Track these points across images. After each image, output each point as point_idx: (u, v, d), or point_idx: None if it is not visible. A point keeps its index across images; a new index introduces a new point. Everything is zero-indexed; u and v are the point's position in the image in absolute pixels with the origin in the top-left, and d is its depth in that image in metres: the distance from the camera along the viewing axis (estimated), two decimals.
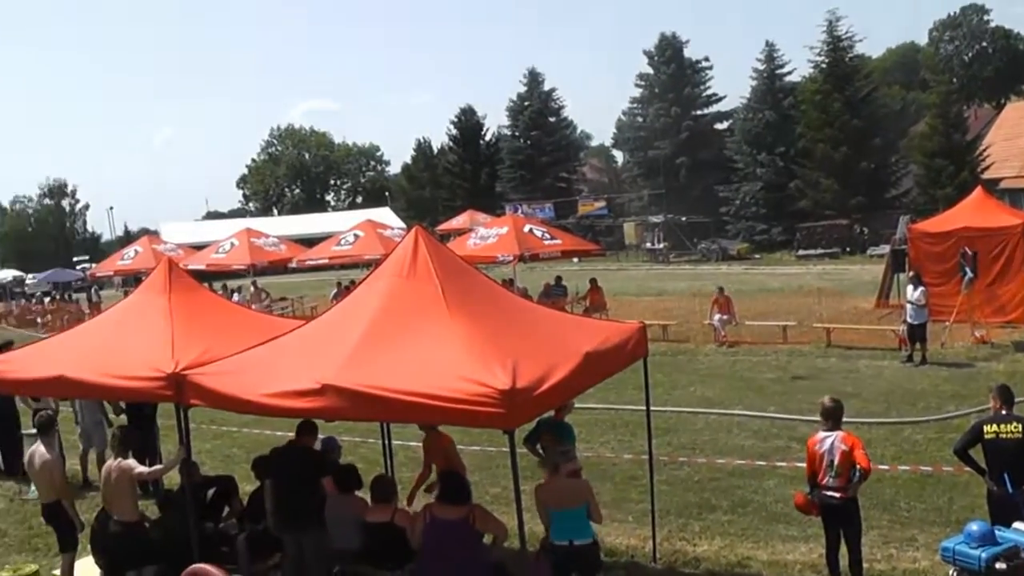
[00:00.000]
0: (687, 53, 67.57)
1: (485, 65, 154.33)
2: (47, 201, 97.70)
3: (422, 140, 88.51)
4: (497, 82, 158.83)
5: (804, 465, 8.04)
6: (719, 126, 67.62)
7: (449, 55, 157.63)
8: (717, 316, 22.51)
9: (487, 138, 78.47)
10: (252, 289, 30.90)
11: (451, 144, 79.42)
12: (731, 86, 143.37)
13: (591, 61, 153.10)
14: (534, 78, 74.30)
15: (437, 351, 6.33)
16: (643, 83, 69.22)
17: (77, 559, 8.97)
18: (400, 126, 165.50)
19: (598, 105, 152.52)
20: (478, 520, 6.87)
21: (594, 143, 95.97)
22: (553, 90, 74.51)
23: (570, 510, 7.05)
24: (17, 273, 66.11)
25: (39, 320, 38.92)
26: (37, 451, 8.99)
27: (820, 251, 49.78)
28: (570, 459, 8.53)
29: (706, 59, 67.62)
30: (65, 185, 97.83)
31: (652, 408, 9.16)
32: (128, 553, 8.22)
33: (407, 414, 6.41)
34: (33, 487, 10.35)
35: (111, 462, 8.49)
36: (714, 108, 67.89)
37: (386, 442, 10.01)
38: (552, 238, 25.41)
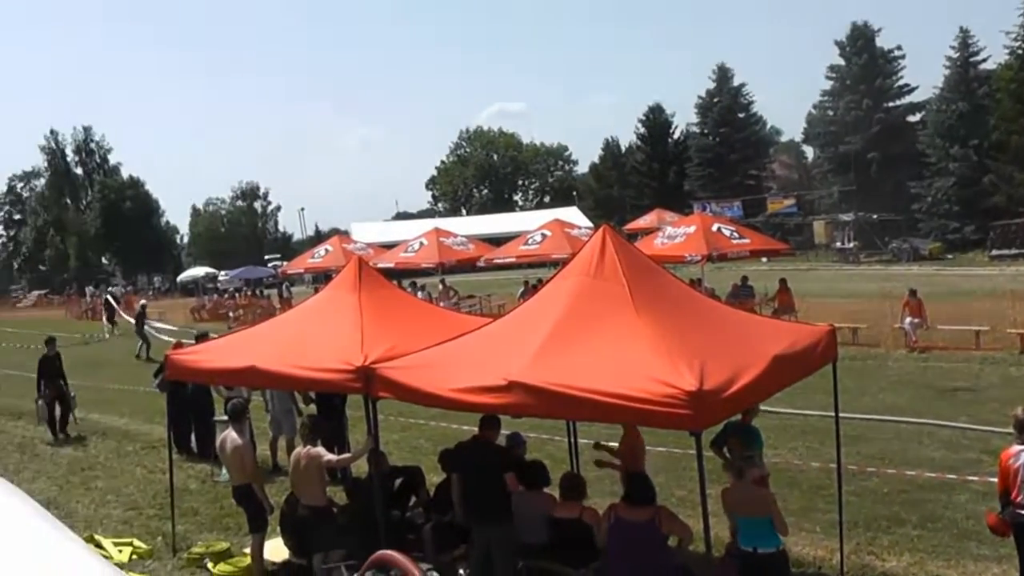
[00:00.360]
0: (879, 42, 65.58)
1: (673, 62, 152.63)
2: (239, 203, 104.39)
3: (610, 139, 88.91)
4: (685, 79, 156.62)
5: (996, 480, 7.70)
6: (911, 118, 65.34)
7: (637, 53, 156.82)
8: (908, 320, 22.09)
9: (675, 136, 77.82)
10: (440, 287, 31.85)
11: (639, 143, 79.23)
12: (924, 76, 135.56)
13: (781, 54, 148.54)
14: (723, 73, 73.17)
15: (624, 350, 6.38)
16: (834, 75, 67.34)
17: (267, 539, 9.55)
18: (588, 126, 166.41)
19: (788, 99, 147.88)
20: (664, 522, 6.90)
21: (784, 138, 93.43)
22: (743, 85, 73.32)
23: (754, 518, 6.98)
24: (210, 270, 70.80)
25: (231, 314, 41.34)
26: (228, 437, 9.63)
27: (1015, 251, 47.19)
28: (755, 465, 8.45)
29: (898, 48, 65.48)
30: (257, 188, 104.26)
31: (841, 415, 8.94)
32: (316, 536, 8.74)
33: (593, 413, 6.47)
34: (224, 470, 11.11)
35: (300, 449, 9.01)
36: (906, 99, 65.79)
37: (572, 440, 10.13)
38: (740, 237, 25.23)
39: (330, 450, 9.44)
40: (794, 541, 9.07)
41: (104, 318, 43.67)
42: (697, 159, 71.77)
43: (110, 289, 60.07)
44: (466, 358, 7.27)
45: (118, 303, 46.95)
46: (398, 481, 9.81)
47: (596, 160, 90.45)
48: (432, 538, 8.67)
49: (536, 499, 8.15)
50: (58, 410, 18.03)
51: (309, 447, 8.88)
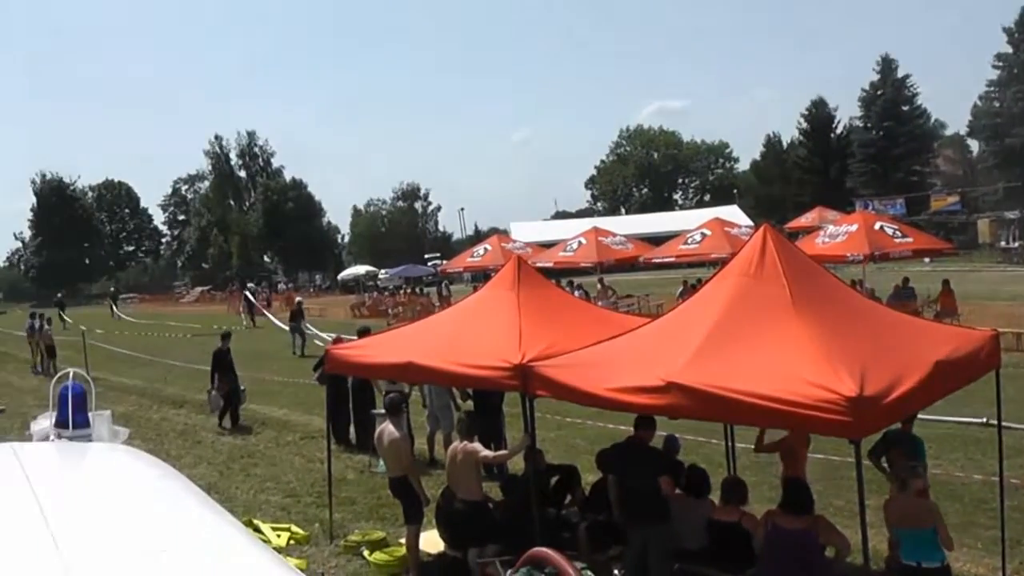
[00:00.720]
0: None
1: (836, 53, 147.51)
2: (400, 203, 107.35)
3: (771, 135, 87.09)
4: (849, 70, 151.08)
5: None
6: None
7: (799, 44, 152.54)
8: None
9: (838, 131, 75.44)
10: (598, 286, 31.98)
11: (801, 138, 77.22)
12: None
13: (944, 42, 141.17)
14: (887, 64, 70.64)
15: (783, 353, 6.37)
16: (1001, 64, 64.07)
17: (422, 531, 9.90)
18: (750, 122, 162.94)
19: (953, 91, 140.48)
20: (822, 532, 6.88)
21: (948, 132, 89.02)
22: (907, 77, 70.49)
23: (917, 531, 6.88)
24: (370, 268, 72.88)
25: (390, 311, 42.55)
26: (386, 429, 10.00)
27: None
28: (919, 475, 8.32)
29: None
30: (418, 188, 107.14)
31: (1004, 425, 8.68)
32: (471, 530, 9.02)
33: (750, 417, 6.47)
34: (382, 462, 11.54)
35: (457, 444, 9.32)
36: None
37: (729, 444, 10.12)
38: (903, 236, 24.62)
39: (486, 446, 9.73)
40: (954, 557, 8.80)
41: (243, 313, 46.86)
42: (860, 154, 69.51)
43: (248, 285, 63.06)
44: (623, 358, 7.34)
45: (256, 298, 49.79)
46: (554, 479, 9.98)
47: (757, 157, 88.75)
48: (587, 537, 8.82)
49: (696, 505, 8.22)
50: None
51: (466, 442, 9.15)
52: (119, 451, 3.78)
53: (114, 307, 62.83)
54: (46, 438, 3.99)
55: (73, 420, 4.08)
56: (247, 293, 51.48)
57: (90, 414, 4.25)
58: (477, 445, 9.21)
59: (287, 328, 32.53)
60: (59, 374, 4.54)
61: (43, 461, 3.36)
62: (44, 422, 4.17)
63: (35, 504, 2.53)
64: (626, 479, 8.34)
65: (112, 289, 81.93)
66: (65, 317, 47.96)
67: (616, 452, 8.69)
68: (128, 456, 3.61)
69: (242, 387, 19.17)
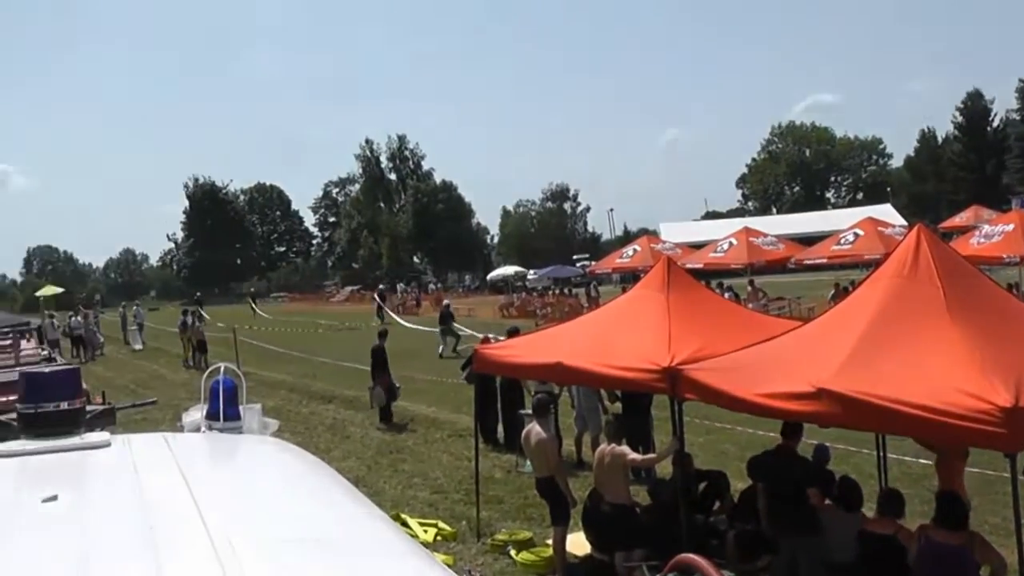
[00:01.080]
0: None
1: (993, 43, 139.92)
2: (549, 204, 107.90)
3: (926, 130, 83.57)
4: (1006, 61, 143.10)
5: None
6: None
7: (954, 33, 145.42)
8: None
9: (994, 124, 71.61)
10: (749, 288, 31.51)
11: (956, 133, 73.68)
12: None
13: None
14: None
15: (935, 359, 6.15)
16: None
17: (569, 532, 9.93)
18: (904, 116, 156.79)
19: None
20: (977, 549, 6.63)
21: None
22: None
23: None
24: (519, 268, 73.56)
25: (538, 312, 42.84)
26: (533, 430, 10.10)
27: None
28: None
29: None
30: (567, 189, 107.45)
31: None
32: (618, 533, 9.01)
33: (900, 426, 6.31)
34: (528, 462, 11.61)
35: (605, 446, 9.31)
36: None
37: (881, 454, 9.82)
38: None
39: (634, 449, 9.68)
40: None
41: (375, 312, 48.56)
42: (1016, 149, 65.81)
43: (380, 287, 64.60)
44: (774, 362, 7.24)
45: (384, 301, 51.59)
46: (702, 485, 9.91)
47: (911, 153, 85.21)
48: (736, 545, 8.70)
49: (847, 517, 8.00)
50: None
51: (614, 445, 9.15)
52: (269, 443, 3.88)
53: (254, 306, 65.32)
54: (197, 429, 4.12)
55: (224, 412, 4.19)
56: (376, 295, 53.22)
57: (240, 407, 4.36)
58: (625, 448, 9.19)
59: (413, 327, 33.15)
60: (210, 368, 4.67)
61: (194, 451, 3.48)
62: (195, 414, 4.30)
63: (187, 492, 2.60)
64: (774, 487, 8.22)
65: (252, 289, 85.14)
66: (203, 314, 50.40)
67: (765, 459, 8.56)
68: (277, 448, 3.69)
69: (398, 385, 19.57)
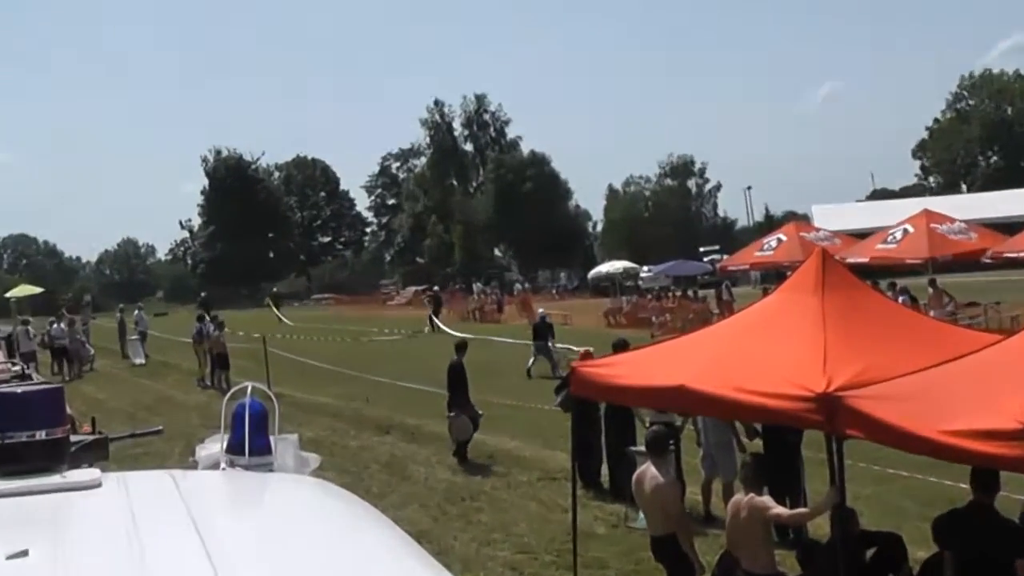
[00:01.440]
0: None
1: None
2: (668, 181, 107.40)
3: None
4: None
5: None
6: None
7: None
8: None
9: None
10: (930, 290, 31.22)
11: None
12: None
13: None
14: None
15: None
16: None
17: None
18: None
19: None
20: None
21: None
22: None
23: None
24: (629, 264, 73.30)
25: (654, 319, 42.81)
26: (648, 473, 10.07)
27: None
28: None
29: None
30: (692, 162, 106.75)
31: None
32: None
33: None
34: (641, 514, 11.54)
35: (741, 496, 9.26)
36: None
37: None
38: None
39: (779, 500, 9.61)
40: None
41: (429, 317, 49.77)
42: None
43: (434, 288, 64.95)
44: (965, 389, 7.17)
45: (440, 306, 52.58)
46: (870, 552, 9.75)
47: None
48: None
49: None
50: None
51: (752, 494, 9.08)
52: (307, 484, 3.90)
53: (277, 311, 66.15)
54: (216, 466, 4.18)
55: (250, 444, 4.25)
56: (427, 297, 54.04)
57: (272, 438, 4.42)
58: (767, 499, 9.13)
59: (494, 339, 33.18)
60: (234, 388, 4.75)
61: (211, 494, 3.49)
62: (213, 446, 4.37)
63: (200, 548, 2.59)
64: (967, 557, 8.10)
65: (275, 288, 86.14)
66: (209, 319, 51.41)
67: (955, 520, 8.44)
68: (319, 491, 3.70)
69: (480, 413, 19.62)
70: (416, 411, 23.60)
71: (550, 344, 31.40)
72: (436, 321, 49.84)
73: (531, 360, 30.73)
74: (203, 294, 71.26)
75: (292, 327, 56.25)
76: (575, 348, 28.93)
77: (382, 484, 17.60)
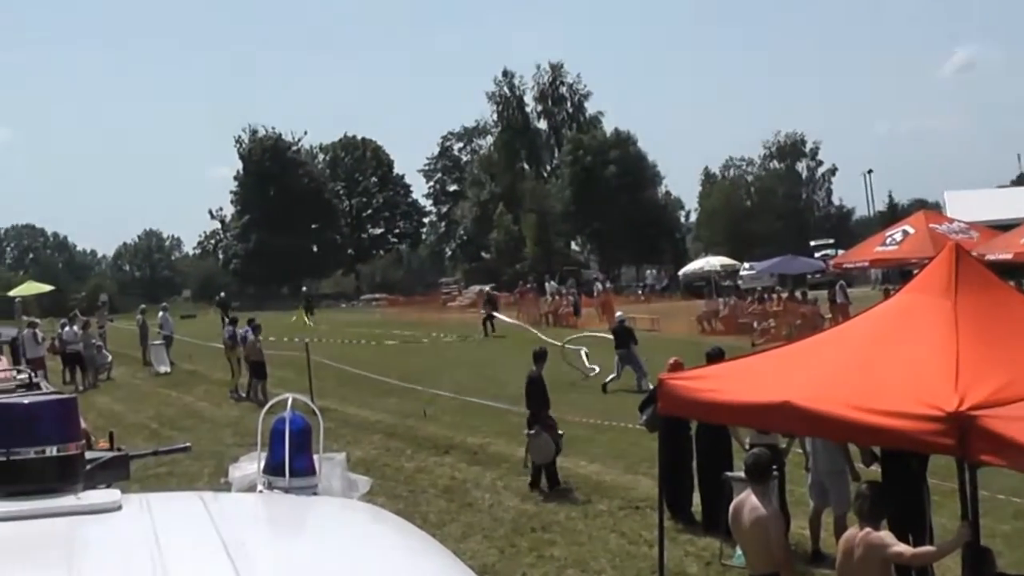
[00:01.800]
0: None
1: None
2: (774, 164, 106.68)
3: None
4: None
5: None
6: None
7: None
8: None
9: None
10: None
11: None
12: None
13: None
14: None
15: None
16: None
17: None
18: None
19: None
20: None
21: None
22: None
23: None
24: (727, 261, 72.88)
25: (755, 325, 42.85)
26: (747, 503, 10.06)
27: None
28: None
29: None
30: (802, 142, 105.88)
31: None
32: None
33: None
34: (739, 550, 11.62)
35: (855, 531, 9.22)
36: None
37: None
38: None
39: (900, 536, 9.56)
40: None
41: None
42: None
43: (488, 287, 65.06)
44: None
45: (496, 308, 53.17)
46: None
47: None
48: None
49: None
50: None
51: (868, 529, 9.03)
52: (356, 510, 3.93)
53: (307, 315, 66.51)
54: (252, 488, 4.23)
55: (291, 464, 4.30)
56: (486, 299, 54.81)
57: (316, 457, 4.46)
58: (885, 535, 9.10)
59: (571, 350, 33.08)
60: (272, 401, 4.80)
61: (246, 519, 3.53)
62: (249, 466, 4.42)
63: None
64: None
65: (304, 289, 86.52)
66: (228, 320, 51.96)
67: None
68: (368, 517, 3.75)
69: (561, 433, 19.59)
70: (479, 428, 23.72)
71: (634, 351, 31.18)
72: (493, 322, 49.97)
73: (612, 376, 30.57)
74: (221, 293, 71.73)
75: (333, 331, 56.54)
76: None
77: (441, 511, 17.72)
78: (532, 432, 18.97)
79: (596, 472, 19.99)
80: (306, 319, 65.11)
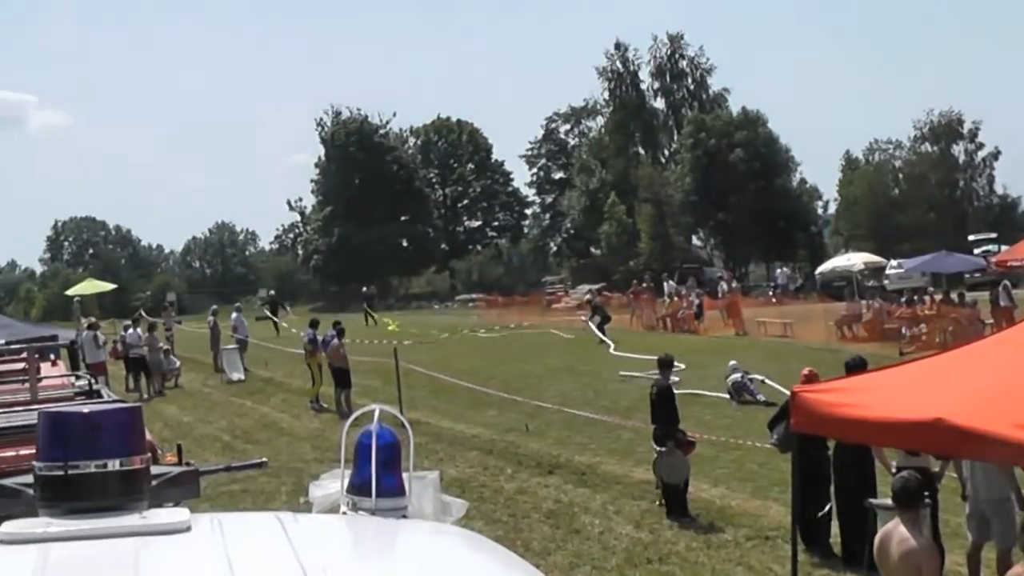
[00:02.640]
0: None
1: None
2: (927, 147, 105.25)
3: None
4: None
5: None
6: None
7: None
8: None
9: None
10: None
11: None
12: None
13: None
14: None
15: None
16: None
17: None
18: None
19: None
20: None
21: None
22: None
23: None
24: (871, 258, 72.11)
25: (904, 331, 42.46)
26: (895, 534, 10.03)
27: None
28: None
29: None
30: (959, 121, 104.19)
31: None
32: None
33: None
34: None
35: (1021, 570, 9.20)
36: None
37: None
38: None
39: None
40: None
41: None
42: None
43: (593, 288, 64.76)
44: None
45: (605, 321, 51.48)
46: None
47: None
48: None
49: None
50: None
51: None
52: (450, 535, 3.95)
53: (370, 315, 66.59)
54: (335, 509, 4.26)
55: (378, 483, 4.32)
56: (591, 301, 54.11)
57: (405, 475, 4.49)
58: None
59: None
60: (357, 412, 4.83)
61: (328, 543, 3.55)
62: (331, 484, 4.46)
63: None
64: None
65: (365, 288, 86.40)
66: (279, 321, 52.02)
67: None
68: (464, 544, 3.77)
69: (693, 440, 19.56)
70: (588, 445, 23.69)
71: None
72: (603, 328, 49.81)
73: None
74: (270, 291, 72.24)
75: (423, 335, 56.79)
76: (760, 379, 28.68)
77: (545, 538, 17.78)
78: (663, 449, 18.86)
79: (720, 497, 19.98)
80: (369, 319, 65.40)
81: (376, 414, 4.84)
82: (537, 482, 22.13)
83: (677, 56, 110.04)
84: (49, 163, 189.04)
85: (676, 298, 62.78)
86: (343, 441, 4.62)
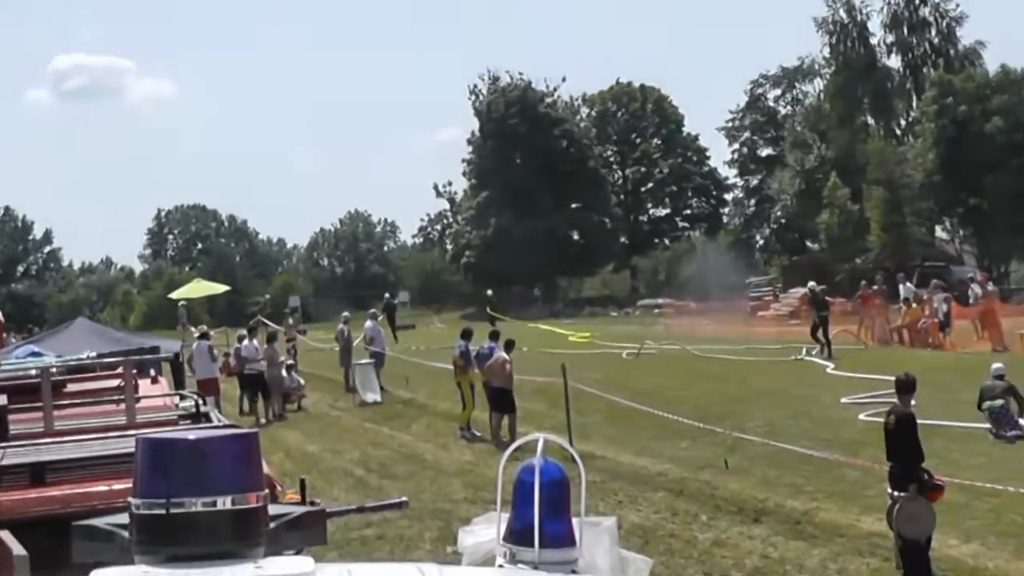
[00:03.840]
0: None
1: None
2: None
3: None
4: None
5: None
6: None
7: None
8: None
9: None
10: None
11: None
12: None
13: None
14: None
15: None
16: None
17: None
18: None
19: None
20: None
21: None
22: None
23: None
24: None
25: None
26: None
27: None
28: None
29: None
30: None
31: None
32: None
33: None
34: None
35: None
36: None
37: None
38: None
39: None
40: None
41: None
42: None
43: (814, 287, 64.23)
44: None
45: (824, 309, 51.56)
46: None
47: None
48: None
49: None
50: None
51: None
52: None
53: (392, 327, 66.40)
54: (489, 560, 4.26)
55: (543, 530, 4.31)
56: (811, 304, 53.67)
57: (575, 521, 4.48)
58: None
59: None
60: (517, 442, 4.82)
61: None
62: (485, 531, 4.47)
63: None
64: None
65: (387, 296, 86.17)
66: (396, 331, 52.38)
67: None
68: None
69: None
70: (803, 487, 23.57)
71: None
72: (826, 332, 49.35)
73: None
74: (386, 294, 72.55)
75: (598, 347, 56.78)
76: None
77: None
78: (903, 494, 18.38)
79: (973, 555, 19.66)
80: (495, 314, 65.88)
81: (540, 445, 4.83)
82: (739, 532, 21.98)
83: (917, 3, 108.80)
84: (150, 141, 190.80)
85: (915, 304, 62.11)
86: (500, 477, 4.63)
